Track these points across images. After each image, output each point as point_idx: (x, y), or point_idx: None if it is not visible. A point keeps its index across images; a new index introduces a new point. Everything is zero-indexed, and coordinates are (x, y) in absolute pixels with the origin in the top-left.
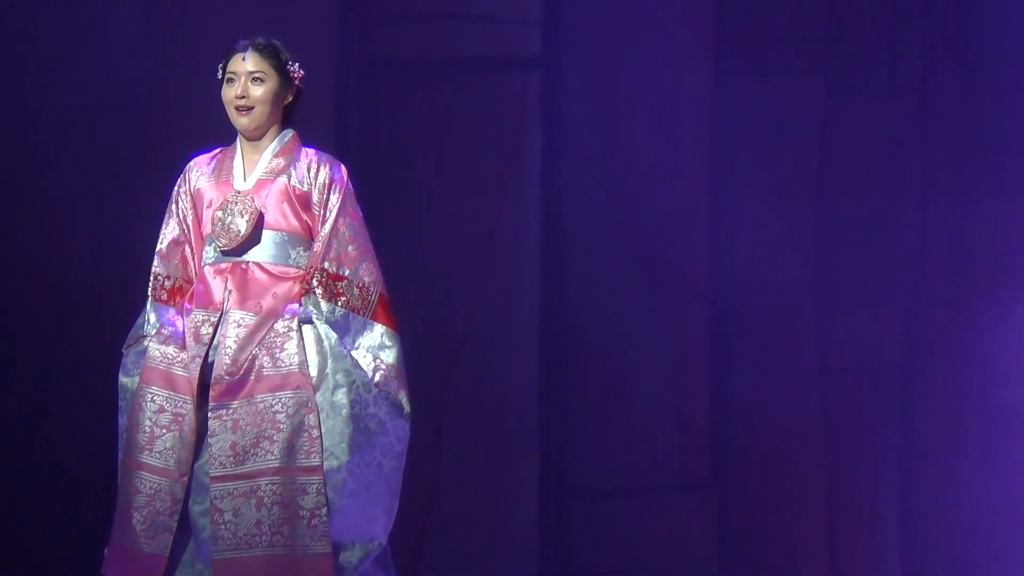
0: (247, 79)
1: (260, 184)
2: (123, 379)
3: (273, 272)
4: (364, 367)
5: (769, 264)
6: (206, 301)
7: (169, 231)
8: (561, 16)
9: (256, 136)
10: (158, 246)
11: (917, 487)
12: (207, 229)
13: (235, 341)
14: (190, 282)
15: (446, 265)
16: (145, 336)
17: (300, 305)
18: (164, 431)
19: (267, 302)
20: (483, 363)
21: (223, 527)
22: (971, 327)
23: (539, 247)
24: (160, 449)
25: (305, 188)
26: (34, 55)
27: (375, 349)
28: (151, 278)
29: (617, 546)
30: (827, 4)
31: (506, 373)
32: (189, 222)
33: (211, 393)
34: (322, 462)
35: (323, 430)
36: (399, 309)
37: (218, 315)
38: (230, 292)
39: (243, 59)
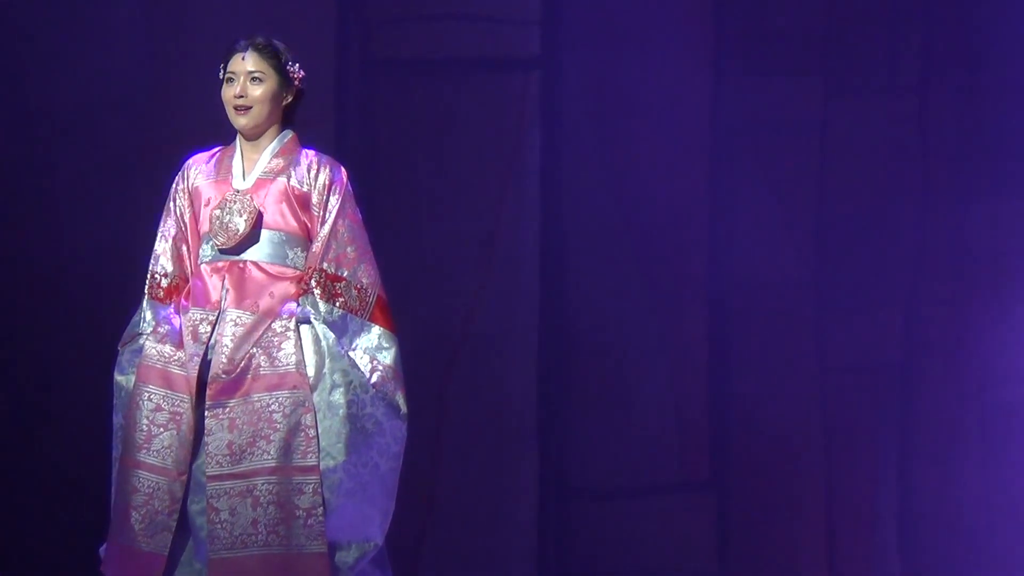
0: (246, 79)
1: (259, 184)
2: (118, 377)
3: (270, 271)
4: (361, 368)
5: (769, 264)
6: (204, 300)
7: (166, 229)
8: (561, 16)
9: (254, 135)
10: (155, 244)
11: (916, 487)
12: (204, 227)
13: (232, 340)
14: (187, 280)
15: (446, 265)
16: (141, 334)
17: (298, 305)
18: (162, 430)
19: (264, 301)
20: (483, 363)
21: (219, 526)
22: (971, 327)
23: (539, 247)
24: (158, 448)
25: (305, 189)
26: (34, 55)
27: (372, 350)
28: (147, 276)
29: (617, 546)
30: (827, 4)
31: (506, 373)
32: (186, 220)
33: (208, 392)
34: (318, 462)
35: (320, 430)
36: (398, 309)
37: (216, 314)
38: (227, 291)
39: (243, 59)
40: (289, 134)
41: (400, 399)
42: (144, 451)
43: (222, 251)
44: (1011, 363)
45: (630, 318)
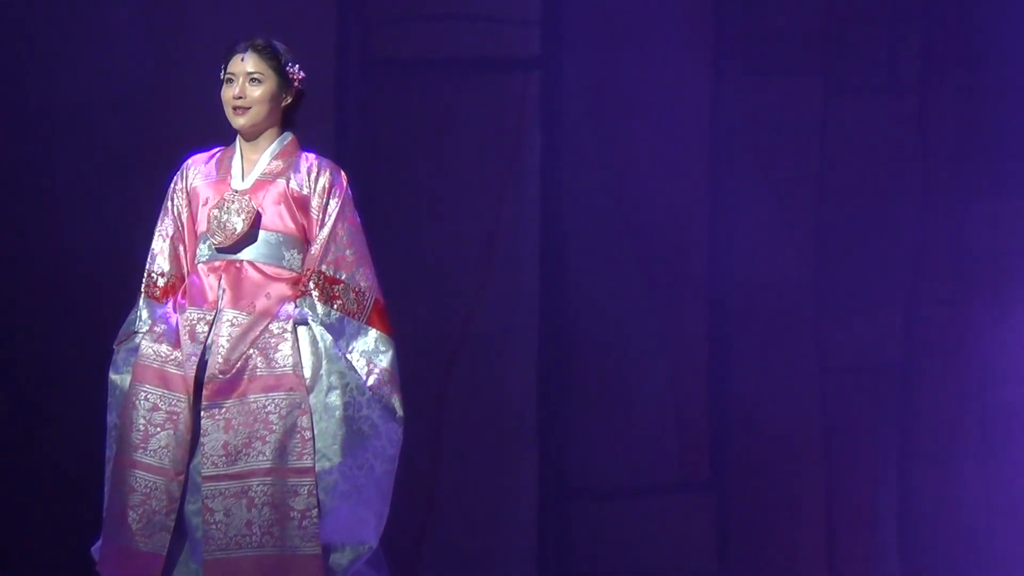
0: (245, 80)
1: (258, 185)
2: (113, 376)
3: (267, 272)
4: (358, 370)
5: (769, 264)
6: (201, 299)
7: (163, 228)
8: (561, 16)
9: (253, 135)
10: (152, 243)
11: (916, 487)
12: (202, 227)
13: (227, 340)
14: (183, 280)
15: (446, 265)
16: (137, 332)
17: (296, 306)
18: (158, 429)
19: (260, 302)
20: (482, 363)
21: (214, 527)
22: (971, 327)
23: (539, 247)
24: (155, 448)
25: (304, 192)
26: (34, 55)
27: (369, 354)
28: (144, 275)
29: (617, 546)
30: (827, 4)
31: (505, 373)
32: (183, 220)
33: (204, 392)
34: (314, 464)
35: (316, 431)
36: (398, 309)
37: (213, 313)
38: (224, 291)
39: (242, 60)
40: (289, 136)
41: (396, 402)
42: (141, 451)
43: (219, 250)
44: (1011, 363)
45: (630, 318)
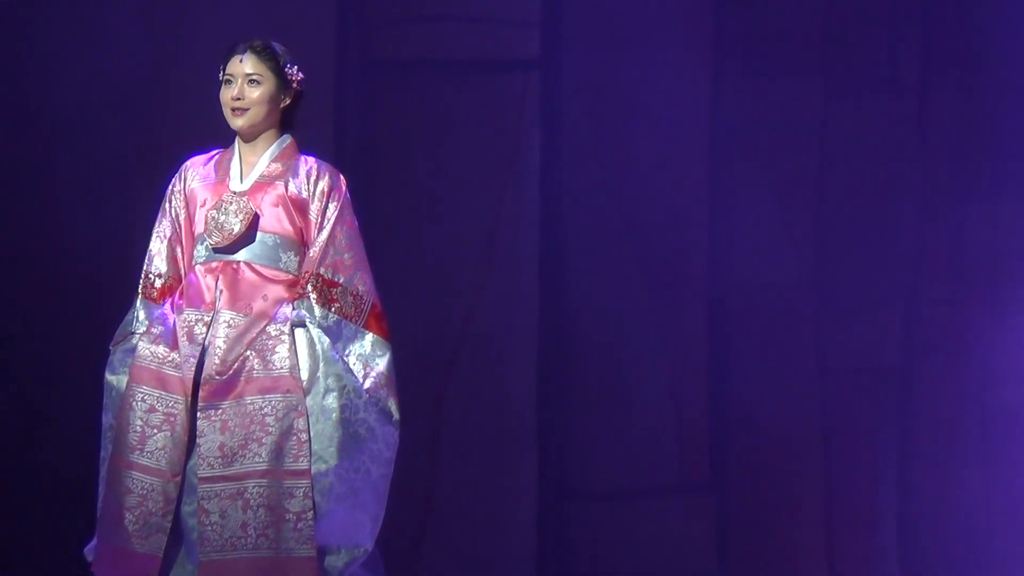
0: (244, 81)
1: (257, 187)
2: (109, 377)
3: (264, 273)
4: (355, 373)
5: (769, 264)
6: (198, 300)
7: (161, 230)
8: (561, 16)
9: (251, 137)
10: (150, 244)
11: (916, 488)
12: (199, 228)
13: (224, 341)
14: (180, 281)
15: (446, 265)
16: (134, 333)
17: (293, 308)
18: (155, 431)
19: (258, 304)
20: (482, 364)
21: (209, 528)
22: (971, 328)
23: (539, 247)
24: (152, 449)
25: (303, 196)
26: (34, 55)
27: (365, 357)
28: (141, 275)
29: (616, 547)
30: (827, 4)
31: (505, 374)
32: (181, 221)
33: (200, 393)
34: (310, 466)
35: (312, 434)
36: (398, 309)
37: (211, 315)
38: (221, 292)
39: (241, 61)
40: (288, 139)
41: (393, 406)
42: (138, 452)
43: (216, 251)
44: (1011, 364)
45: (630, 318)
